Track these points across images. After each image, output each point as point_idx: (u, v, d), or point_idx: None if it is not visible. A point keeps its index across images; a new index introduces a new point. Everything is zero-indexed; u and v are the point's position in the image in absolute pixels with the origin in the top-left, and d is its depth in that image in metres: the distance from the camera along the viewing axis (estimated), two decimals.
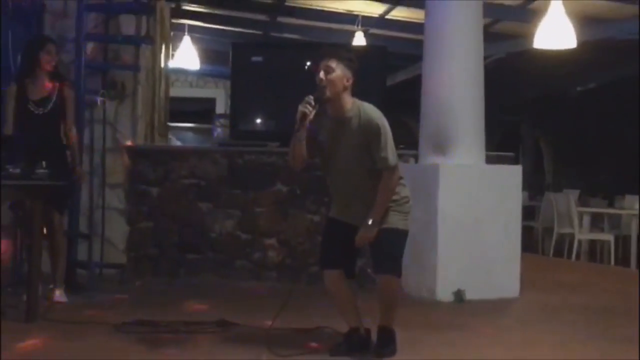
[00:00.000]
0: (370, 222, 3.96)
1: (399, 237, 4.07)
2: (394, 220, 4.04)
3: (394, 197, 4.04)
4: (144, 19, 6.71)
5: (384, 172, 3.97)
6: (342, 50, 4.22)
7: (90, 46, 6.33)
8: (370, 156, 3.99)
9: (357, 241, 4.03)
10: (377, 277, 4.13)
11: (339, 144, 4.05)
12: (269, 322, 4.31)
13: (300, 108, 3.94)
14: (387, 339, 4.12)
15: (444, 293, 5.70)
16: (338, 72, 3.98)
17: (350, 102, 4.07)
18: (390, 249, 4.04)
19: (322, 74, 3.97)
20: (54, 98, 5.31)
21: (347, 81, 4.01)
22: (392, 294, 4.07)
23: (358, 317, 4.15)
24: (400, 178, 4.10)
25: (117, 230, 6.47)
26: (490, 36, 7.14)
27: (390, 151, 3.98)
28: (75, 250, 5.98)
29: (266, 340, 4.14)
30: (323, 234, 4.36)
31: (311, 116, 3.96)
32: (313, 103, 3.95)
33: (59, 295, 5.25)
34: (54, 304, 5.11)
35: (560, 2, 7.17)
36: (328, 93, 3.98)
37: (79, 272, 5.89)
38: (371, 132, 3.98)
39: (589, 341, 4.59)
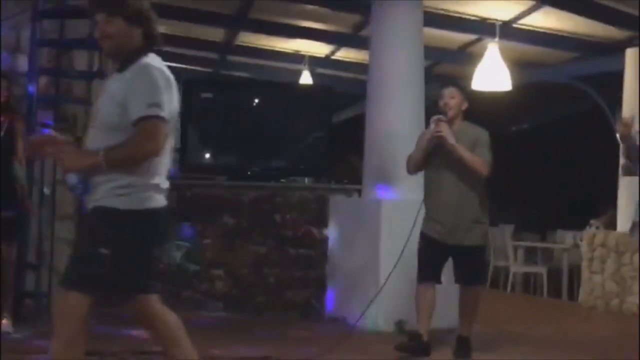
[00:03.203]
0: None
1: (485, 252, 5.32)
2: (482, 238, 5.03)
3: (483, 212, 4.97)
4: (96, 54, 6.81)
5: (485, 166, 4.90)
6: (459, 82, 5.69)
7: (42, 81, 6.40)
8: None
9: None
10: (469, 288, 5.03)
11: (450, 157, 4.88)
12: (215, 352, 4.40)
13: (439, 129, 4.85)
14: (467, 347, 5.03)
15: (386, 323, 5.86)
16: (458, 98, 4.96)
17: (463, 122, 5.02)
18: (478, 264, 5.20)
19: (447, 99, 4.94)
20: (4, 131, 5.34)
21: (463, 106, 4.97)
22: (478, 302, 5.06)
23: (429, 326, 4.92)
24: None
25: (65, 260, 6.48)
26: (430, 78, 7.45)
27: (490, 155, 4.95)
28: (23, 281, 5.98)
29: None
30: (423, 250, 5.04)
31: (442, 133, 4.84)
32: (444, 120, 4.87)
33: (5, 325, 5.21)
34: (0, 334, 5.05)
35: (497, 46, 7.55)
36: (451, 113, 4.92)
37: (26, 303, 5.87)
38: (480, 141, 4.96)
39: None
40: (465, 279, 5.04)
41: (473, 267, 5.07)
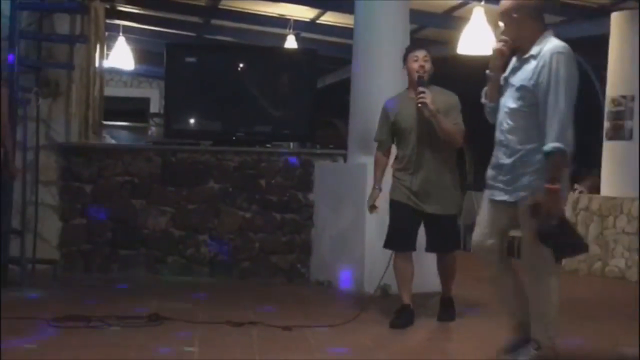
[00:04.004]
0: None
1: (456, 220, 5.31)
2: (456, 206, 5.16)
3: (455, 179, 5.03)
4: (78, 18, 6.74)
5: (461, 135, 4.89)
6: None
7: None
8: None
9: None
10: (446, 255, 5.04)
11: (425, 125, 4.82)
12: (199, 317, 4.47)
13: (421, 96, 4.71)
14: (451, 309, 5.14)
15: (370, 287, 5.86)
16: (430, 62, 4.89)
17: (433, 87, 4.91)
18: (453, 231, 5.23)
19: (423, 62, 4.84)
20: None
21: (432, 70, 4.91)
22: (455, 264, 5.10)
23: (411, 292, 4.99)
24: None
25: (50, 226, 6.51)
26: (415, 42, 7.42)
27: (461, 121, 4.91)
28: (7, 247, 5.97)
29: None
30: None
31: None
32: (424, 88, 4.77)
33: None
34: None
35: (482, 10, 7.51)
36: (426, 77, 4.85)
37: (11, 268, 5.87)
38: (454, 107, 4.91)
39: (503, 332, 4.87)
40: (440, 247, 5.03)
41: (446, 235, 5.04)
